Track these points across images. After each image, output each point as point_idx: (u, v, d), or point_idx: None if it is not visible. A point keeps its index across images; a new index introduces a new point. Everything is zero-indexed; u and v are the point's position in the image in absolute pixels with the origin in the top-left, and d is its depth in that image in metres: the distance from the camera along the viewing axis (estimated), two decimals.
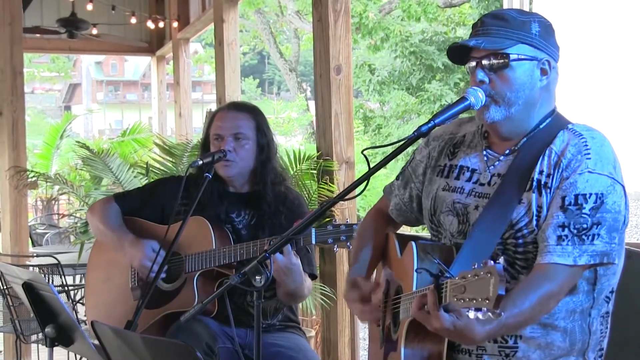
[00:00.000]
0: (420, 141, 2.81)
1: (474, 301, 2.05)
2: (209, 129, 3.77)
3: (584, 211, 2.33)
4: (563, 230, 2.34)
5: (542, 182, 2.42)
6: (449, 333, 2.23)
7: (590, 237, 2.33)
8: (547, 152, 2.44)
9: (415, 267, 2.47)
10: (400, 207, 2.88)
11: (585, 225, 2.33)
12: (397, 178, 2.91)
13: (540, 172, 2.43)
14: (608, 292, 2.51)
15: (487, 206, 2.49)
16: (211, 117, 3.82)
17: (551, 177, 2.41)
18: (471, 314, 2.04)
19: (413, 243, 2.54)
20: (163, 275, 3.62)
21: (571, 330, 2.46)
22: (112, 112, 46.21)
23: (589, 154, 2.38)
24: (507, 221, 2.43)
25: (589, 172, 2.36)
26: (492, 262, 2.03)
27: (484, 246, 2.44)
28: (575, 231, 2.33)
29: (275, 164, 3.78)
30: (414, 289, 2.44)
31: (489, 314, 2.02)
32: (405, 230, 3.12)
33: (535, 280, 2.35)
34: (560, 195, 2.38)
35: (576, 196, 2.35)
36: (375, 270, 2.89)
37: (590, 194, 2.34)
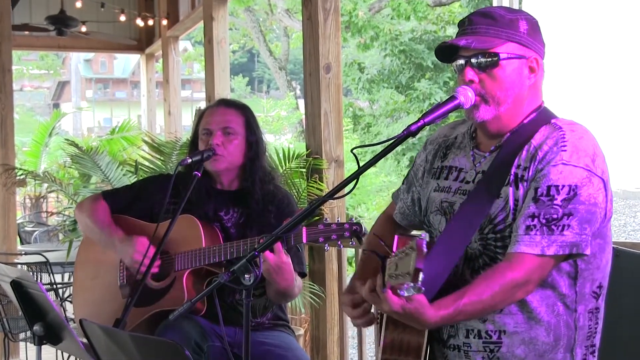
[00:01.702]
0: (421, 146, 2.84)
1: (400, 277, 2.06)
2: (197, 126, 3.77)
3: (555, 202, 2.33)
4: (532, 220, 2.35)
5: (519, 176, 2.43)
6: (400, 316, 2.26)
7: (560, 228, 2.33)
8: (526, 146, 2.45)
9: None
10: (403, 210, 2.88)
11: (555, 216, 2.33)
12: (403, 182, 2.92)
13: (518, 166, 2.44)
14: (595, 287, 2.51)
15: (465, 201, 2.51)
16: (200, 115, 3.83)
17: (527, 169, 2.42)
18: (405, 292, 2.05)
19: (396, 236, 2.56)
20: (155, 269, 3.61)
21: (555, 325, 2.46)
22: (101, 110, 46.17)
23: (565, 146, 2.38)
24: (483, 215, 2.45)
25: (563, 164, 2.35)
26: (421, 235, 2.06)
27: (458, 239, 2.46)
28: (544, 221, 2.33)
29: (264, 162, 3.78)
30: None
31: (411, 288, 2.03)
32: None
33: (500, 268, 2.37)
34: (533, 186, 2.38)
35: (548, 187, 2.35)
36: None
37: (563, 186, 2.34)
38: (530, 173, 2.41)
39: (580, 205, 2.33)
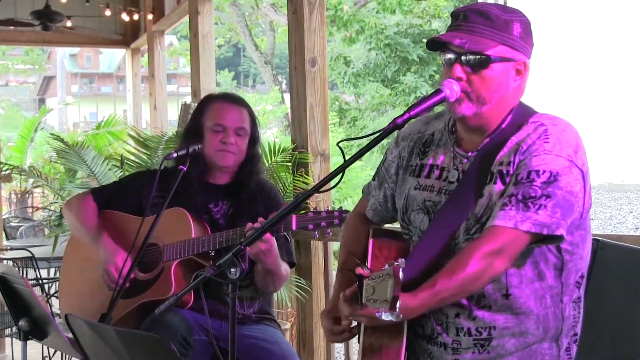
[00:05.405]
0: (391, 141, 2.82)
1: (378, 302, 2.08)
2: (201, 117, 3.76)
3: (534, 183, 2.34)
4: (510, 199, 2.35)
5: (504, 172, 2.44)
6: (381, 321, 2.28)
7: (536, 206, 2.32)
8: (507, 144, 2.46)
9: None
10: (376, 207, 2.88)
11: (533, 194, 2.33)
12: (374, 179, 2.91)
13: (501, 163, 2.45)
14: (578, 277, 2.54)
15: (445, 203, 2.51)
16: (204, 106, 3.81)
17: (511, 163, 2.43)
18: (383, 316, 2.07)
19: (371, 240, 2.58)
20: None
21: (544, 316, 2.48)
22: (87, 104, 45.94)
23: (547, 138, 2.40)
24: (463, 218, 2.45)
25: (545, 153, 2.37)
26: (397, 262, 2.06)
27: (436, 242, 2.47)
28: (520, 197, 2.33)
29: (260, 155, 3.88)
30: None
31: (389, 315, 2.05)
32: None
33: (473, 242, 2.38)
34: (515, 174, 2.40)
35: (529, 172, 2.36)
36: None
37: (544, 171, 2.35)
38: (514, 166, 2.42)
39: (558, 190, 2.34)
